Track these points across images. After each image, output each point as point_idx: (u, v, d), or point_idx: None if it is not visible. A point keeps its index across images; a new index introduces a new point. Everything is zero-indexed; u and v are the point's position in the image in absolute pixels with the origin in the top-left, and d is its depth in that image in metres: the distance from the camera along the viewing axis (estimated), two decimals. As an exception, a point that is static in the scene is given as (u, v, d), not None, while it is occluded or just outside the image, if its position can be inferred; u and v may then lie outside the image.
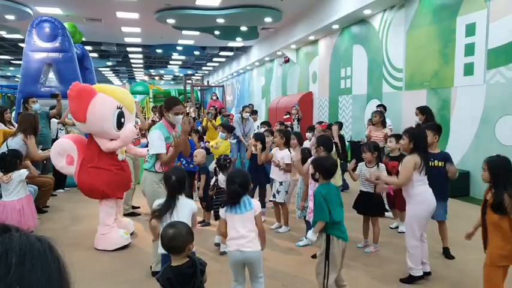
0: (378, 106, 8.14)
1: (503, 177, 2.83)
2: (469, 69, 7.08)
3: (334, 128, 6.14)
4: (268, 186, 6.08)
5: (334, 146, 4.47)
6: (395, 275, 3.82)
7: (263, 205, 5.52)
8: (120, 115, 4.38)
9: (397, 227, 5.23)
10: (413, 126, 4.79)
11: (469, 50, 7.05)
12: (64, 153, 4.66)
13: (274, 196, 5.20)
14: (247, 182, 2.94)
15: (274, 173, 5.18)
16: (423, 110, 6.04)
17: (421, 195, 3.54)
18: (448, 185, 4.29)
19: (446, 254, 4.28)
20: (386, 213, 5.64)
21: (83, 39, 11.63)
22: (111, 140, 4.46)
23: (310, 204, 4.20)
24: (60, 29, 8.20)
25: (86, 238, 4.87)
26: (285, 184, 5.12)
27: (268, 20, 12.63)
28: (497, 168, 2.89)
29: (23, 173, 4.78)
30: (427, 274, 3.70)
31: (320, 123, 8.57)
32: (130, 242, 4.73)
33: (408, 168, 3.49)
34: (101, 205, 4.66)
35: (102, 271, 4.01)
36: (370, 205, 4.46)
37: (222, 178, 4.75)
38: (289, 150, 5.21)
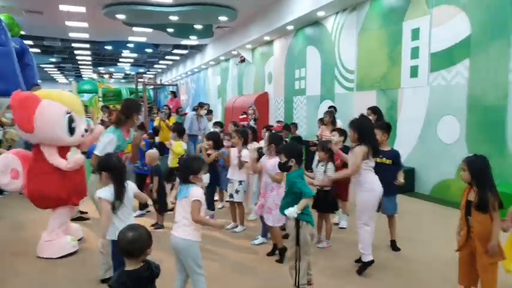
0: (329, 107, 8.39)
1: (485, 177, 2.90)
2: (414, 72, 7.49)
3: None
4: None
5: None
6: (347, 268, 3.98)
7: (212, 207, 5.54)
8: (71, 120, 4.23)
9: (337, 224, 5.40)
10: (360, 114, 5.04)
11: (414, 53, 7.46)
12: (7, 169, 4.34)
13: (231, 196, 5.18)
14: (190, 166, 2.99)
15: (234, 173, 5.16)
16: (374, 110, 6.31)
17: (370, 183, 3.74)
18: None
19: (394, 246, 4.52)
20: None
21: (22, 32, 10.90)
22: (63, 148, 4.29)
23: (262, 200, 4.27)
24: (-5, 21, 7.64)
25: (29, 246, 4.54)
26: (244, 183, 5.14)
27: (223, 18, 12.58)
28: (478, 168, 2.93)
29: None
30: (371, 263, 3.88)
31: (279, 122, 8.67)
32: (78, 249, 4.48)
33: (357, 157, 3.68)
34: (54, 213, 4.41)
35: (48, 281, 3.78)
36: (323, 202, 4.60)
37: None
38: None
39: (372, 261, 3.80)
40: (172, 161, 6.34)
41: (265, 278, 3.81)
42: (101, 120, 9.80)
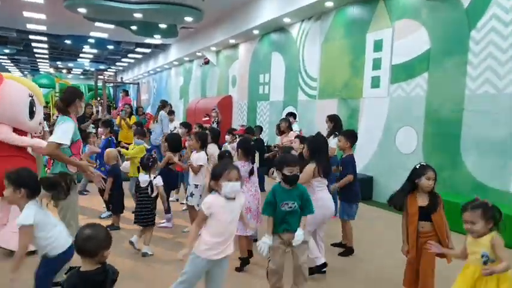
0: (287, 114, 8.44)
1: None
2: (375, 82, 7.69)
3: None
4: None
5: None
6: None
7: (168, 210, 5.47)
8: (32, 103, 4.16)
9: None
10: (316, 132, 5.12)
11: (376, 64, 7.66)
12: None
13: (186, 199, 5.09)
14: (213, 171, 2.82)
15: (191, 176, 5.06)
16: (332, 118, 6.41)
17: (321, 201, 3.77)
18: (354, 188, 4.60)
19: (347, 250, 4.63)
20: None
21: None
22: (20, 131, 4.11)
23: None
24: None
25: None
26: (200, 187, 5.04)
27: (188, 19, 12.38)
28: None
29: None
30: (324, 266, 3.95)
31: (242, 126, 8.64)
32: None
33: (306, 173, 3.74)
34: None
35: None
36: None
37: (142, 179, 4.52)
38: (206, 153, 5.14)
39: (325, 264, 3.90)
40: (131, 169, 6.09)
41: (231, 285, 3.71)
42: (57, 116, 9.33)
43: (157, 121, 9.32)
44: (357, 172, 4.76)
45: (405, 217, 3.18)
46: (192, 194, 5.01)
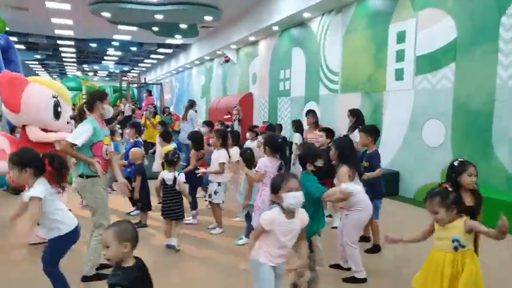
0: (308, 112, 8.27)
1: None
2: (399, 75, 7.50)
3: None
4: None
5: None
6: (335, 274, 3.89)
7: (195, 206, 5.51)
8: (57, 104, 4.32)
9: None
10: (351, 131, 5.04)
11: (400, 56, 7.47)
12: None
13: (210, 196, 5.12)
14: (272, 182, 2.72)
15: (212, 174, 5.10)
16: (354, 113, 6.29)
17: (362, 203, 3.67)
18: (380, 183, 4.48)
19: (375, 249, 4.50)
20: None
21: (7, 29, 10.63)
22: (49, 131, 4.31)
23: (258, 201, 4.07)
24: (-21, 16, 7.42)
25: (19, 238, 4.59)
26: (223, 185, 5.07)
27: (208, 18, 12.46)
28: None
29: None
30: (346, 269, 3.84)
31: (265, 122, 8.61)
32: None
33: (343, 177, 3.56)
34: None
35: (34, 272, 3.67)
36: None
37: (167, 176, 4.56)
38: (227, 151, 5.17)
39: (365, 280, 3.70)
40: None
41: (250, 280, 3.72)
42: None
43: (186, 120, 9.47)
44: (382, 167, 4.66)
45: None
46: (216, 192, 5.04)
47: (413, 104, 7.20)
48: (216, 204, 5.11)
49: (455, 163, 2.91)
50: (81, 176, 3.54)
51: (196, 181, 5.55)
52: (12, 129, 6.51)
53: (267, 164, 3.94)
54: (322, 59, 9.84)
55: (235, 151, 5.41)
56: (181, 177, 4.60)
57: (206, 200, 5.49)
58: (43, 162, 2.89)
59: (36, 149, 4.06)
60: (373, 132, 4.56)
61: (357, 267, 3.70)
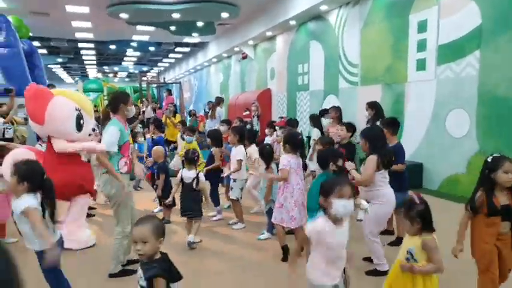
0: (332, 107, 8.21)
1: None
2: (421, 65, 7.34)
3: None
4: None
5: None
6: (359, 266, 3.86)
7: (217, 203, 5.57)
8: (79, 117, 4.44)
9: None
10: (371, 125, 4.98)
11: (421, 45, 7.31)
12: None
13: (228, 192, 5.20)
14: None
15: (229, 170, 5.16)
16: (372, 105, 6.19)
17: (384, 197, 3.62)
18: (403, 176, 4.40)
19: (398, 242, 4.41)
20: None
21: (30, 34, 10.95)
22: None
23: (280, 197, 4.09)
24: (4, 22, 7.75)
25: None
26: (238, 181, 5.10)
27: (225, 15, 12.47)
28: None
29: None
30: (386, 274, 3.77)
31: (282, 118, 8.58)
32: (95, 242, 4.63)
33: (368, 168, 3.53)
34: (74, 202, 4.54)
35: (71, 271, 3.78)
36: None
37: (186, 175, 4.62)
38: (244, 147, 5.21)
39: (387, 272, 3.63)
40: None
41: (272, 274, 3.76)
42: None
43: (214, 118, 9.59)
44: (405, 159, 4.58)
45: (474, 217, 2.78)
46: (231, 188, 5.09)
47: (436, 94, 7.05)
48: (235, 200, 5.14)
49: (489, 159, 2.72)
50: (108, 172, 3.61)
51: (216, 178, 5.60)
52: (38, 138, 6.72)
53: (290, 160, 3.93)
54: (341, 52, 9.73)
55: (252, 149, 5.43)
56: (202, 177, 4.65)
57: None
58: (42, 181, 2.75)
59: (61, 160, 4.27)
60: (392, 125, 4.50)
61: (379, 260, 3.67)
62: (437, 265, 2.36)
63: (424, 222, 2.40)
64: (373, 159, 3.53)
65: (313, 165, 5.45)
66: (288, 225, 3.93)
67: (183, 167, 4.74)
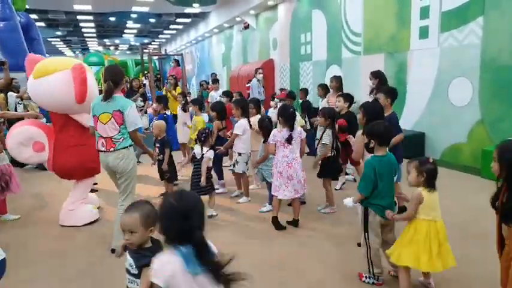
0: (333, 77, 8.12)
1: None
2: (424, 33, 7.21)
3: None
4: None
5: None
6: (349, 234, 3.99)
7: (221, 177, 5.67)
8: (100, 89, 4.55)
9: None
10: (375, 94, 4.95)
11: (424, 12, 7.16)
12: (29, 142, 4.46)
13: (233, 166, 5.24)
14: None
15: (237, 144, 5.17)
16: (377, 75, 6.13)
17: None
18: (398, 147, 4.38)
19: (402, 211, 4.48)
20: (346, 176, 5.87)
21: (27, 6, 10.77)
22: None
23: (274, 170, 4.21)
24: (-2, -6, 7.57)
25: (50, 215, 4.85)
26: (243, 155, 5.14)
27: (225, -16, 12.19)
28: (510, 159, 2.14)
29: None
30: None
31: (282, 90, 8.52)
32: (99, 217, 4.70)
33: (357, 144, 3.56)
34: (78, 184, 4.59)
35: (74, 246, 3.97)
36: (324, 168, 4.62)
37: (197, 151, 4.72)
38: (249, 120, 5.22)
39: None
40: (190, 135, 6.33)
41: (278, 244, 3.88)
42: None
43: (218, 89, 9.76)
44: (407, 129, 4.58)
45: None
46: (237, 162, 5.15)
47: (439, 63, 6.96)
48: (241, 173, 5.21)
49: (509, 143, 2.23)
50: (126, 147, 3.66)
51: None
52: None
53: (275, 134, 4.10)
54: (344, 21, 9.54)
55: (257, 119, 5.42)
56: (209, 154, 4.70)
57: (229, 170, 5.59)
58: None
59: (79, 141, 4.27)
60: (391, 93, 4.49)
61: None
62: (408, 214, 2.75)
63: (427, 178, 2.65)
64: (359, 136, 3.53)
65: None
66: (277, 195, 4.11)
67: (196, 143, 4.84)
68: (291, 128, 4.06)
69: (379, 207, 2.95)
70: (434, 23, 6.97)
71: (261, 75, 9.59)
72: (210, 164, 4.75)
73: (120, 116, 3.56)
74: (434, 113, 7.15)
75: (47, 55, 9.88)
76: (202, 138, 4.74)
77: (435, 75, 7.06)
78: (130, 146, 3.69)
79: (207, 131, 4.88)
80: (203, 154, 4.66)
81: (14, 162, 6.14)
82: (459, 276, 3.08)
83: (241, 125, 5.07)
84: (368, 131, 3.09)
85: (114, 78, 3.59)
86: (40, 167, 7.43)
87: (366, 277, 3.11)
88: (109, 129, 3.57)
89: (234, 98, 6.84)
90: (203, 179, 4.57)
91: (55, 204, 5.17)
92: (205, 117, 6.58)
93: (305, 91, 8.47)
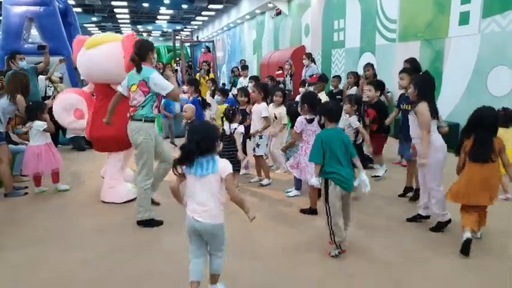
0: (367, 64, 7.94)
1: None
2: (464, 18, 6.91)
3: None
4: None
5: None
6: (374, 221, 3.93)
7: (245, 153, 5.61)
8: None
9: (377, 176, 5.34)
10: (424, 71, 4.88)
11: (465, -2, 6.85)
12: (71, 108, 4.79)
13: (254, 150, 5.26)
14: (208, 139, 2.39)
15: (254, 127, 5.18)
16: (410, 62, 5.95)
17: (438, 142, 3.58)
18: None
19: (415, 195, 4.43)
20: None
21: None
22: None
23: (301, 159, 4.21)
24: (38, -20, 7.81)
25: (92, 193, 5.05)
26: (264, 138, 5.15)
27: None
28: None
29: (41, 125, 4.94)
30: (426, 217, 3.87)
31: (311, 76, 8.41)
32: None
33: (425, 113, 3.48)
34: (110, 158, 4.73)
35: (111, 223, 4.09)
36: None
37: (226, 126, 4.82)
38: (267, 104, 5.23)
39: (450, 221, 3.68)
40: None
41: (301, 229, 3.89)
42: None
43: (246, 76, 9.80)
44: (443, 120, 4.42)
45: None
46: (258, 145, 5.16)
47: (479, 50, 6.67)
48: (260, 156, 5.22)
49: None
50: (139, 119, 3.77)
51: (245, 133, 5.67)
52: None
53: (303, 121, 4.10)
54: (379, 6, 9.28)
55: (282, 110, 5.44)
56: (240, 128, 4.77)
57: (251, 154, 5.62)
58: None
59: (120, 114, 4.14)
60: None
61: (443, 210, 3.64)
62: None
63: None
64: (423, 105, 3.48)
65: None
66: (309, 182, 4.00)
67: (223, 124, 4.91)
68: (315, 114, 4.04)
69: (338, 177, 3.12)
70: (476, 8, 6.66)
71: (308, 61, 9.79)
72: (238, 138, 4.82)
73: (145, 85, 3.73)
74: (471, 104, 6.85)
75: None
76: (230, 115, 4.81)
77: (474, 64, 6.78)
78: (147, 119, 3.77)
79: (234, 107, 4.94)
80: (235, 129, 4.73)
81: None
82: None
83: (265, 108, 5.08)
84: (320, 109, 3.51)
85: (138, 52, 3.78)
86: (76, 147, 7.72)
87: (331, 252, 3.22)
88: (136, 97, 3.78)
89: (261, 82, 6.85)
90: (240, 153, 4.68)
91: (92, 181, 5.45)
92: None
93: (338, 78, 8.29)
